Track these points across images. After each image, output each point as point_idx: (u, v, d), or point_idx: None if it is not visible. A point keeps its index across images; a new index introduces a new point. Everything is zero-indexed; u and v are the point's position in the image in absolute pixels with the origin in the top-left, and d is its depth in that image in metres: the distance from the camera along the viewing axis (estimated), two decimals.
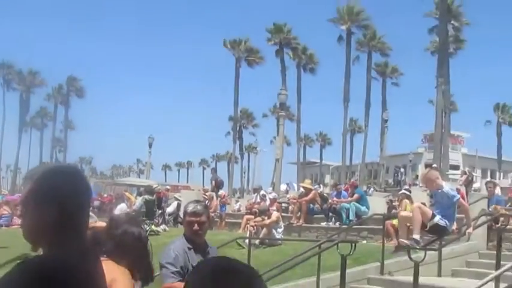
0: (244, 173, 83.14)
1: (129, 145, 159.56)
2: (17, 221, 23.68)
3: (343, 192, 20.53)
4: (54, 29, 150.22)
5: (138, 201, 18.14)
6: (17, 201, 27.11)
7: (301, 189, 23.04)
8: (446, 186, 9.94)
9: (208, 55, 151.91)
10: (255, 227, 16.98)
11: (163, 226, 19.17)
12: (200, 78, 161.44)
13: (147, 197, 17.79)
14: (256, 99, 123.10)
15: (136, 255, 3.75)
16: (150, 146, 49.50)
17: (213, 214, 18.96)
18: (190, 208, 5.27)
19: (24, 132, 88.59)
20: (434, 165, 39.69)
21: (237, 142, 71.25)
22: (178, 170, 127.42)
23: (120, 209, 17.96)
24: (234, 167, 69.76)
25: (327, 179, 68.23)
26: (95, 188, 36.88)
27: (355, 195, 19.13)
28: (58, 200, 2.19)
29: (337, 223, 18.53)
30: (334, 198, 20.03)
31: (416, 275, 8.96)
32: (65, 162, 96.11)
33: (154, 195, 18.54)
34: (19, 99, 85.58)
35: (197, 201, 5.91)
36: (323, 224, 19.20)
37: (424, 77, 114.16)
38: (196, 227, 5.18)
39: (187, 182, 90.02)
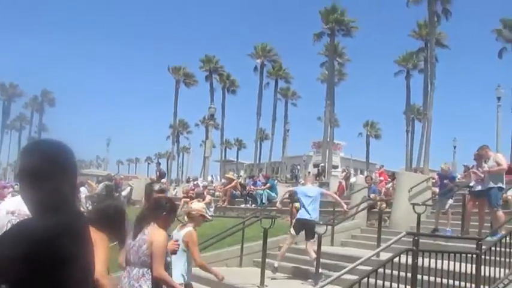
0: (180, 167, 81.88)
1: (90, 144, 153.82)
2: None
3: (258, 182, 20.31)
4: (29, 45, 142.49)
5: (100, 186, 17.24)
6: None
7: (223, 180, 22.66)
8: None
9: (154, 77, 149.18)
10: None
11: None
12: (148, 95, 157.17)
13: (107, 182, 16.98)
14: (190, 112, 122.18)
15: (115, 224, 3.60)
16: (108, 144, 47.95)
17: None
18: (157, 187, 4.85)
19: (5, 133, 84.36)
20: (322, 164, 40.28)
21: (175, 144, 70.31)
22: (129, 164, 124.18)
23: (82, 191, 17.05)
24: (172, 163, 68.88)
25: (242, 173, 68.07)
26: None
27: (268, 185, 18.93)
28: (52, 172, 1.81)
29: (253, 205, 18.29)
30: (251, 186, 19.78)
31: (319, 244, 8.79)
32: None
33: (113, 181, 17.72)
34: (2, 106, 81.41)
35: (157, 183, 5.49)
36: (242, 205, 18.91)
37: (316, 100, 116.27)
38: None
39: (135, 173, 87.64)
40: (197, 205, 5.69)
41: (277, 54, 59.29)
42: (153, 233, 4.06)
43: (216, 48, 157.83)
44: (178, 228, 5.34)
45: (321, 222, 9.11)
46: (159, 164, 28.29)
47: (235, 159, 79.99)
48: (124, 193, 21.10)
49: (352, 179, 24.76)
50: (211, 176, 35.94)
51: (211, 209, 16.04)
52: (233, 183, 19.54)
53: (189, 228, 5.29)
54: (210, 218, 5.91)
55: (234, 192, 19.57)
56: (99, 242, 3.21)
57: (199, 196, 16.40)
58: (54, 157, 1.84)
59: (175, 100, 64.03)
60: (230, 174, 22.33)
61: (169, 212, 4.34)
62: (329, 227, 10.62)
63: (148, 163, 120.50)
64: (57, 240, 1.70)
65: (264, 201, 17.99)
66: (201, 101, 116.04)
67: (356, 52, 76.34)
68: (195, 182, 21.84)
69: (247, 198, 18.99)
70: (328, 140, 48.61)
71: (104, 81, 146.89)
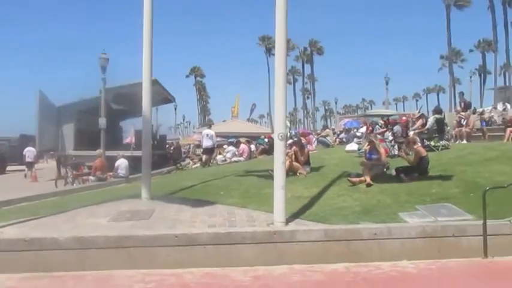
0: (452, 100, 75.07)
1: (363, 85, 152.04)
2: None
3: None
4: None
5: (431, 119, 14.93)
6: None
7: None
8: None
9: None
10: None
11: None
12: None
13: (437, 116, 14.74)
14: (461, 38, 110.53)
15: None
16: (387, 83, 45.77)
17: None
18: None
19: None
20: None
21: (451, 75, 64.39)
22: (396, 104, 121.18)
23: None
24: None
25: None
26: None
27: None
28: None
29: None
30: None
31: None
32: (313, 106, 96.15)
33: (442, 114, 15.40)
34: None
35: None
36: None
37: None
38: None
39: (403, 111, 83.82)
40: None
41: None
42: None
43: None
44: None
45: None
46: (462, 94, 24.80)
47: None
48: None
49: None
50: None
51: None
52: None
53: None
54: None
55: None
56: None
57: None
58: None
59: (447, 26, 58.41)
60: None
61: None
62: None
63: (417, 100, 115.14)
64: None
65: None
66: (475, 23, 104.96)
67: None
68: None
69: None
70: None
71: (363, 23, 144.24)
